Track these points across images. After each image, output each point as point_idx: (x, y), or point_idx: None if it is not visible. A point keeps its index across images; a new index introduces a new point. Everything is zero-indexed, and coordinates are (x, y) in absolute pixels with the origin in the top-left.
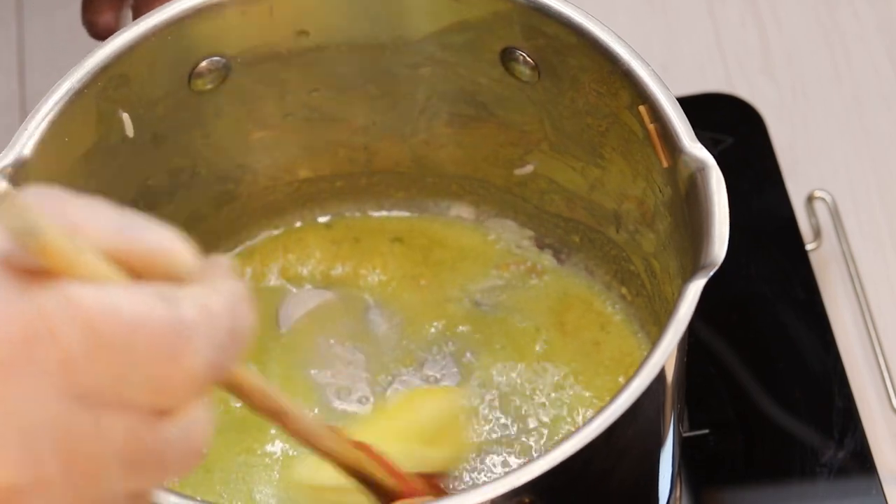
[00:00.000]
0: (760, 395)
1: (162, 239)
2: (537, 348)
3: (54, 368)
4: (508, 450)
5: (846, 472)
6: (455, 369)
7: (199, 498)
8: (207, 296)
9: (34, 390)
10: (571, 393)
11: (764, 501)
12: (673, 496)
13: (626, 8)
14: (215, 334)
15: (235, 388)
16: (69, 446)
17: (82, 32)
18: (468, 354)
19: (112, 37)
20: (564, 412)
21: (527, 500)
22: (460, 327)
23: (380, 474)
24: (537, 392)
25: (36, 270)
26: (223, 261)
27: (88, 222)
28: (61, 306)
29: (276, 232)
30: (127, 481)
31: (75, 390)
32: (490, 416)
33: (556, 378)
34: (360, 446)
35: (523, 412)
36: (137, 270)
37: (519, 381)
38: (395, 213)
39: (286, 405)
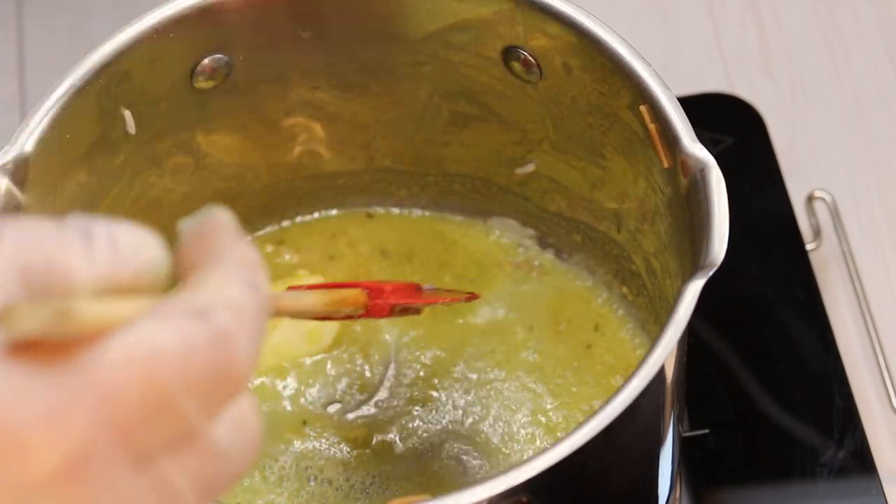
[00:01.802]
0: (760, 395)
1: (137, 249)
2: (532, 347)
3: (112, 442)
4: (496, 456)
5: (846, 472)
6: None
7: None
8: (229, 288)
9: (102, 480)
10: (565, 394)
11: (764, 501)
12: (672, 496)
13: (626, 8)
14: (252, 325)
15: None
16: None
17: (82, 32)
18: (460, 351)
19: (114, 34)
20: (557, 417)
21: (524, 500)
22: (458, 322)
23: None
24: (530, 392)
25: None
26: (220, 217)
27: (74, 262)
28: (100, 375)
29: (277, 227)
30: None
31: (134, 456)
32: (477, 413)
33: (550, 378)
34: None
35: (513, 412)
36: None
37: (513, 379)
38: (396, 212)
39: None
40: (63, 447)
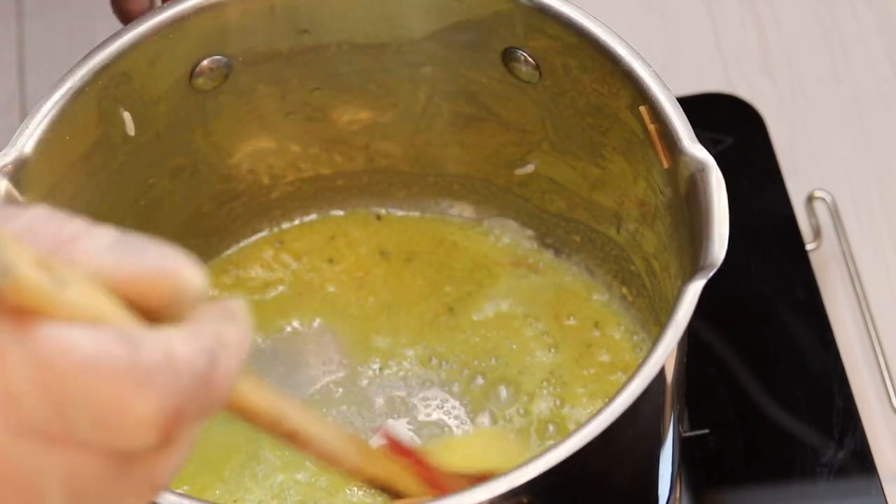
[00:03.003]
0: (760, 395)
1: (164, 258)
2: (531, 346)
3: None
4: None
5: (846, 472)
6: (448, 365)
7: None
8: (179, 339)
9: None
10: (565, 394)
11: (764, 501)
12: (672, 496)
13: (625, 8)
14: (178, 381)
15: (238, 411)
16: (7, 476)
17: (82, 32)
18: (461, 354)
19: (113, 35)
20: (557, 418)
21: (525, 501)
22: (457, 324)
23: (408, 483)
24: (530, 395)
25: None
26: (234, 303)
27: (80, 244)
28: (15, 341)
29: (277, 229)
30: None
31: (18, 423)
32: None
33: (551, 378)
34: (389, 453)
35: (512, 417)
36: (135, 298)
37: (512, 378)
38: (396, 212)
39: (300, 424)
40: None
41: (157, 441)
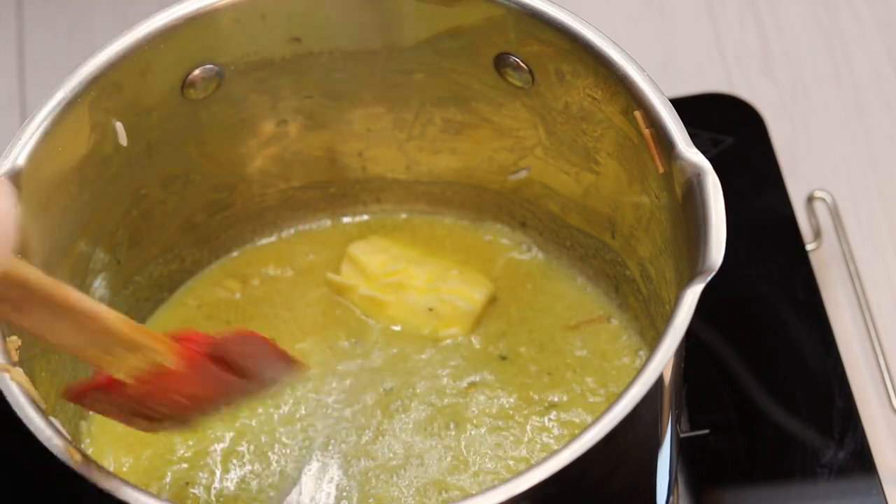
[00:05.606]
0: (761, 395)
1: None
2: (527, 354)
3: None
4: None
5: (846, 472)
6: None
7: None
8: None
9: None
10: (563, 400)
11: (764, 501)
12: (672, 498)
13: (624, 9)
14: None
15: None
16: None
17: (82, 32)
18: (457, 360)
19: (104, 45)
20: (554, 424)
21: None
22: (453, 330)
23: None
24: (525, 399)
25: None
26: None
27: None
28: None
29: (269, 239)
30: None
31: None
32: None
33: (546, 385)
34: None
35: (507, 419)
36: None
37: (508, 385)
38: (389, 219)
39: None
40: None
41: None
